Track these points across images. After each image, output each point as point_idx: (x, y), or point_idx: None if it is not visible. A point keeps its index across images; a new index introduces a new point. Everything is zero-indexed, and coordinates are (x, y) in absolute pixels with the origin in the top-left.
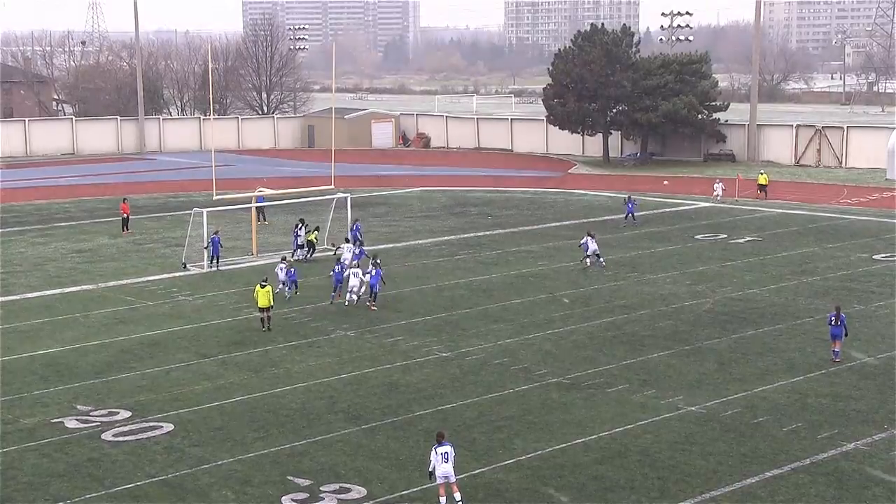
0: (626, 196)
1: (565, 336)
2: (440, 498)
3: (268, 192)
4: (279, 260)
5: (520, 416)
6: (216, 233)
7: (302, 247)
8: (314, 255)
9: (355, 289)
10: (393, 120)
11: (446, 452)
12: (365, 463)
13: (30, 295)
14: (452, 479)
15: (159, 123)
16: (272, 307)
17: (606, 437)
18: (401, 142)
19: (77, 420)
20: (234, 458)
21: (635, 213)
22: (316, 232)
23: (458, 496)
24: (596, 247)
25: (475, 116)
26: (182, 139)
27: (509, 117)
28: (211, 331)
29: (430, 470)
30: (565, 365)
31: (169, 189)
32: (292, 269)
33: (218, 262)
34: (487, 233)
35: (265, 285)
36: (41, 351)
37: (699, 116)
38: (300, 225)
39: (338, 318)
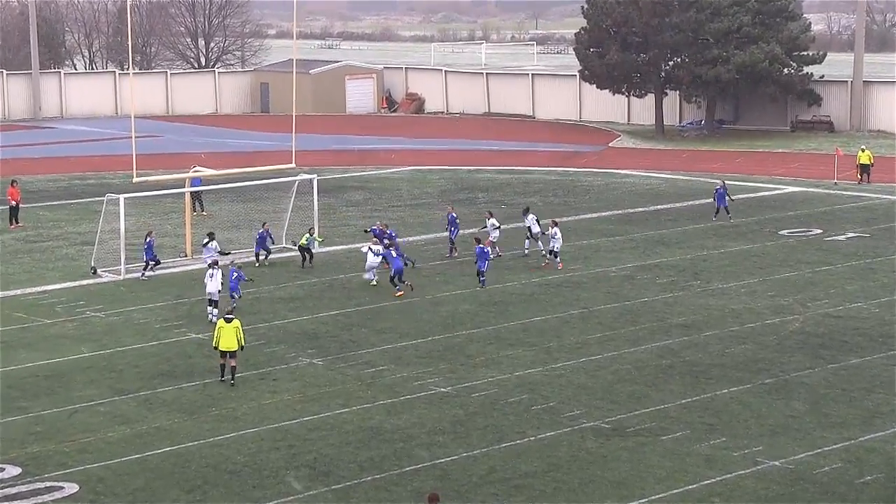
0: (719, 184)
1: (604, 365)
2: None
3: (207, 172)
4: (211, 264)
5: (543, 473)
6: (150, 234)
7: (268, 252)
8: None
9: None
10: (374, 76)
11: None
12: None
13: None
14: None
15: (60, 79)
16: (241, 349)
17: (658, 500)
18: (384, 105)
19: None
20: None
21: (727, 205)
22: (308, 235)
23: None
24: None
25: (484, 71)
26: (91, 101)
27: (530, 72)
28: (130, 358)
29: None
30: (604, 404)
31: (74, 168)
32: (241, 271)
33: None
34: (503, 226)
35: (231, 318)
36: None
37: (785, 71)
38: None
39: (300, 342)
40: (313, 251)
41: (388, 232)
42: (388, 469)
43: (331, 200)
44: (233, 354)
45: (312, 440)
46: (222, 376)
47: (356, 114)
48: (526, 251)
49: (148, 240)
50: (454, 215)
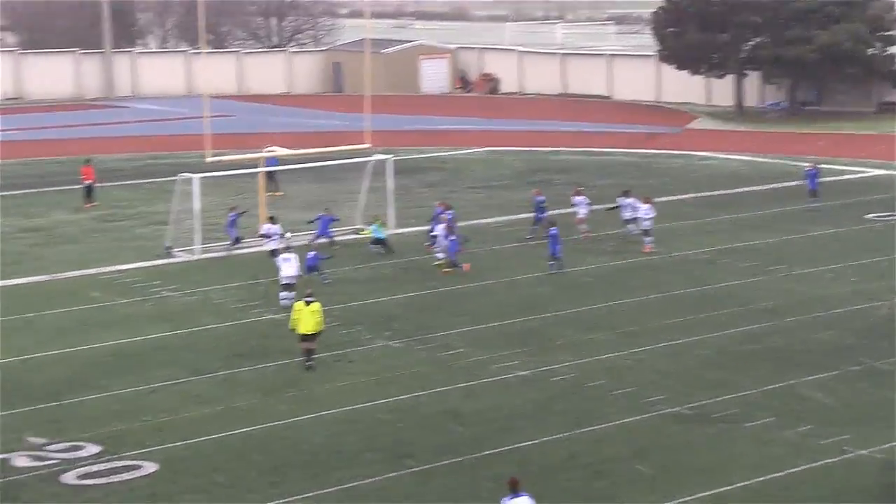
0: (810, 164)
1: (686, 350)
2: None
3: (281, 152)
4: (286, 248)
5: (625, 459)
6: (235, 210)
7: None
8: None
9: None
10: (449, 56)
11: None
12: None
13: None
14: None
15: (132, 59)
16: (320, 333)
17: (744, 489)
18: (459, 85)
19: (28, 457)
20: None
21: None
22: (376, 224)
23: None
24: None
25: (560, 51)
26: (164, 80)
27: (607, 52)
28: (207, 338)
29: None
30: (687, 389)
31: (147, 147)
32: (320, 252)
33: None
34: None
35: (311, 301)
36: None
37: (869, 52)
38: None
39: (376, 323)
40: (381, 237)
41: (447, 213)
42: (467, 453)
43: (406, 181)
44: (312, 337)
45: (389, 423)
46: (308, 361)
47: (431, 94)
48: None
49: (231, 215)
50: (542, 198)
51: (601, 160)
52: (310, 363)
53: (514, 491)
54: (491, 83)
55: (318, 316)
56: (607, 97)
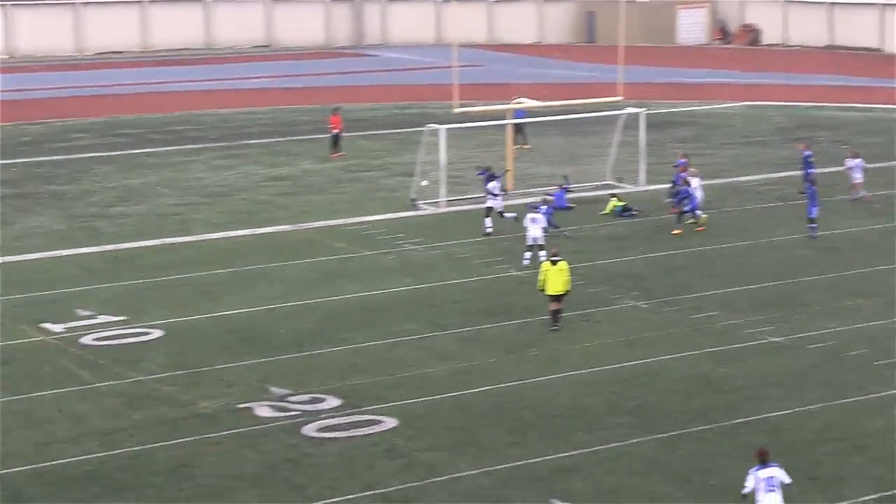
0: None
1: None
2: None
3: (531, 104)
4: (536, 205)
5: (885, 434)
6: (488, 171)
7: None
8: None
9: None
10: (707, 5)
11: (772, 478)
12: (659, 486)
13: (210, 236)
14: None
15: (382, 7)
16: (567, 293)
17: None
18: (718, 37)
19: (270, 407)
20: (479, 469)
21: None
22: (614, 199)
23: None
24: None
25: (827, 0)
26: (413, 28)
27: (879, 1)
28: (450, 293)
29: (743, 493)
30: None
31: (395, 97)
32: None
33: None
34: (842, 168)
35: (557, 260)
36: (224, 312)
37: None
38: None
39: (624, 283)
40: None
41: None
42: (716, 420)
43: (659, 136)
44: (560, 298)
45: (636, 386)
46: (554, 324)
47: (687, 45)
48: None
49: (481, 173)
50: (808, 153)
51: (869, 117)
52: (556, 326)
53: (763, 462)
54: (751, 34)
55: (566, 275)
56: (878, 49)
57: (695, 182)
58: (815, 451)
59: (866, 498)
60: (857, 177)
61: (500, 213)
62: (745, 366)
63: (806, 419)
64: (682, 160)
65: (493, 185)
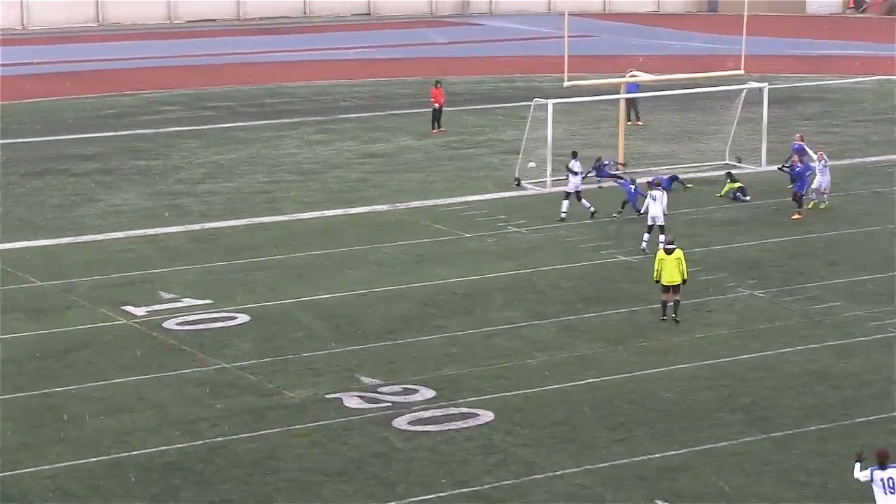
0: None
1: None
2: None
3: (645, 77)
4: (655, 185)
5: None
6: (602, 163)
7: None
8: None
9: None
10: None
11: (892, 479)
12: (772, 488)
13: (302, 216)
14: None
15: None
16: (684, 283)
17: None
18: (852, 5)
19: (360, 398)
20: (581, 467)
21: None
22: (731, 183)
23: None
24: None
25: None
26: None
27: None
28: (552, 279)
29: (854, 475)
30: None
31: (501, 69)
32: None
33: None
34: None
35: (672, 249)
36: (314, 296)
37: None
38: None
39: (740, 270)
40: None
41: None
42: (836, 419)
43: (782, 112)
44: (676, 289)
45: (750, 381)
46: (664, 314)
47: (818, 15)
48: None
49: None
50: None
51: None
52: (667, 317)
53: (882, 465)
54: (889, 3)
55: (682, 264)
56: None
57: (819, 164)
58: None
59: None
60: None
61: (578, 196)
62: (868, 360)
63: None
64: (798, 144)
65: (573, 163)
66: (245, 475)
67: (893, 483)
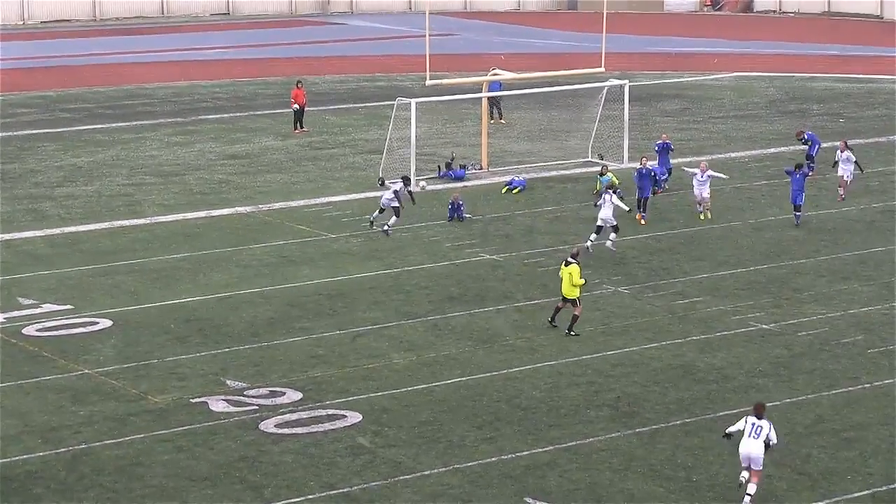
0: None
1: None
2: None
3: (507, 75)
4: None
5: (879, 426)
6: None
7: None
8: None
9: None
10: None
11: (760, 427)
12: (639, 483)
13: (163, 218)
14: (758, 466)
15: None
16: (579, 300)
17: None
18: (708, 3)
19: (226, 401)
20: (449, 466)
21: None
22: (610, 174)
23: (751, 490)
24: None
25: None
26: None
27: None
28: (418, 278)
29: (727, 432)
30: None
31: (363, 68)
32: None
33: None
34: (835, 144)
35: (570, 262)
36: (177, 300)
37: None
38: None
39: (604, 267)
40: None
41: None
42: (700, 413)
43: (644, 109)
44: (573, 302)
45: (616, 377)
46: (552, 319)
47: (676, 12)
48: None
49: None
50: (810, 133)
51: (868, 88)
52: (568, 331)
53: (759, 416)
54: (744, 1)
55: (573, 278)
56: (878, 16)
57: (700, 175)
58: (805, 444)
59: (859, 494)
60: (847, 174)
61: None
62: (731, 355)
63: (795, 411)
64: (664, 142)
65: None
66: (109, 482)
67: (760, 430)
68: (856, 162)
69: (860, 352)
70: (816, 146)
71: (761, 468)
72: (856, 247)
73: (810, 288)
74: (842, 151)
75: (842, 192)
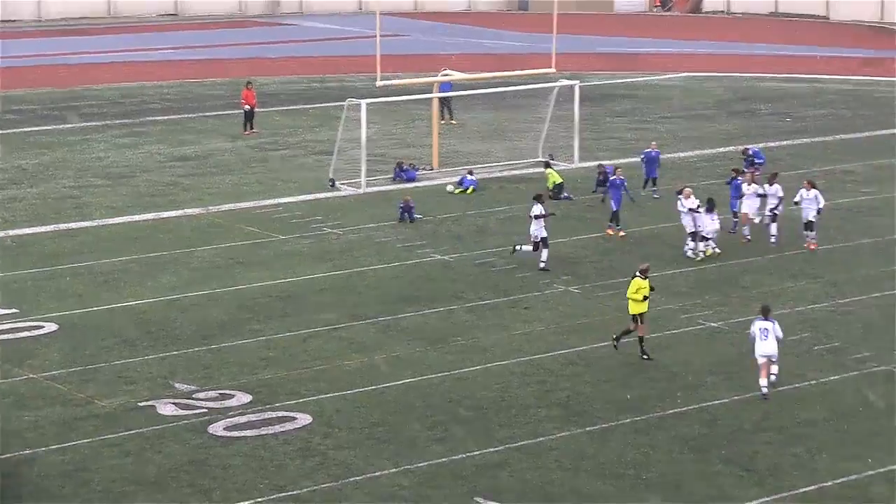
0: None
1: None
2: (760, 379)
3: (458, 76)
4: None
5: (825, 422)
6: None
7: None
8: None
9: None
10: None
11: (767, 329)
12: (589, 482)
13: (111, 221)
14: (774, 358)
15: None
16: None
17: None
18: (657, 3)
19: (175, 405)
20: (400, 467)
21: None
22: (550, 169)
23: (775, 370)
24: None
25: None
26: None
27: None
28: (368, 280)
29: (748, 333)
30: None
31: (313, 69)
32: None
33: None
34: (785, 143)
35: (642, 276)
36: (124, 303)
37: None
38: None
39: (555, 266)
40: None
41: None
42: (650, 411)
43: (594, 110)
44: (641, 317)
45: (567, 376)
46: (616, 341)
47: (625, 13)
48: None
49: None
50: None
51: (814, 87)
52: (641, 351)
53: (765, 315)
54: (693, 1)
55: (647, 289)
56: (824, 17)
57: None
58: (752, 441)
59: (805, 490)
60: (753, 209)
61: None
62: (680, 353)
63: (743, 408)
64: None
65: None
66: (55, 488)
67: (767, 333)
68: (818, 209)
69: (807, 349)
70: (761, 161)
71: (776, 358)
72: (802, 247)
73: (758, 286)
74: (807, 191)
75: (746, 232)
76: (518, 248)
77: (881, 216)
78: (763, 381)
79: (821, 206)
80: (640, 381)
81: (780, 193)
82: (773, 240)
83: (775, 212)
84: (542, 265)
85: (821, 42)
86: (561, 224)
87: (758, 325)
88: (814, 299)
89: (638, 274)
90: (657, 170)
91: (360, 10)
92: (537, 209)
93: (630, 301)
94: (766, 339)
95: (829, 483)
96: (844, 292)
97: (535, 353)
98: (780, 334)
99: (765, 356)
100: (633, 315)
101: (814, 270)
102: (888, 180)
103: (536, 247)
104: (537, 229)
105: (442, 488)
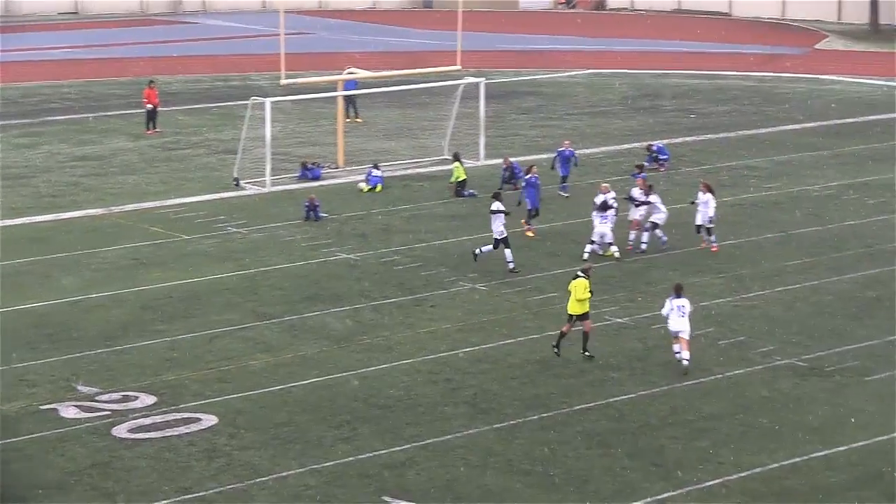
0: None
1: (803, 296)
2: (675, 346)
3: (363, 74)
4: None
5: (731, 415)
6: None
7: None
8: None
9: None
10: None
11: (682, 306)
12: (496, 479)
13: (10, 222)
14: (686, 336)
15: None
16: (588, 314)
17: (862, 449)
18: (562, 2)
19: (78, 407)
20: (306, 467)
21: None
22: (457, 163)
23: (685, 356)
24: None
25: None
26: None
27: None
28: (274, 279)
29: (662, 313)
30: (801, 339)
31: (217, 68)
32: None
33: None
34: (688, 139)
35: (581, 275)
36: (25, 305)
37: None
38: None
39: (461, 264)
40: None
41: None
42: (557, 408)
43: (499, 107)
44: (583, 317)
45: (473, 374)
46: (556, 347)
47: (530, 10)
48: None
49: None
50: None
51: (717, 84)
52: (582, 350)
53: (678, 294)
54: None
55: (579, 293)
56: (727, 14)
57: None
58: (659, 435)
59: (711, 483)
60: (707, 218)
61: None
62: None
63: (650, 403)
64: (568, 150)
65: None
66: None
67: (683, 309)
68: (711, 219)
69: (711, 343)
70: (665, 158)
71: (688, 338)
72: (699, 247)
73: (664, 281)
74: (703, 193)
75: (632, 238)
76: (479, 251)
77: (784, 211)
78: (678, 348)
79: (711, 214)
80: (547, 378)
81: (660, 202)
82: (643, 247)
83: (656, 221)
84: (510, 266)
85: (723, 39)
86: (466, 222)
87: (674, 303)
88: (718, 294)
89: (581, 274)
90: (570, 168)
91: (264, 8)
92: (496, 205)
93: (574, 301)
94: (683, 317)
95: (734, 476)
96: (748, 287)
97: (441, 350)
98: (690, 309)
99: (680, 332)
100: (571, 315)
101: (718, 266)
102: (788, 176)
103: (497, 245)
104: (498, 226)
105: (349, 487)
